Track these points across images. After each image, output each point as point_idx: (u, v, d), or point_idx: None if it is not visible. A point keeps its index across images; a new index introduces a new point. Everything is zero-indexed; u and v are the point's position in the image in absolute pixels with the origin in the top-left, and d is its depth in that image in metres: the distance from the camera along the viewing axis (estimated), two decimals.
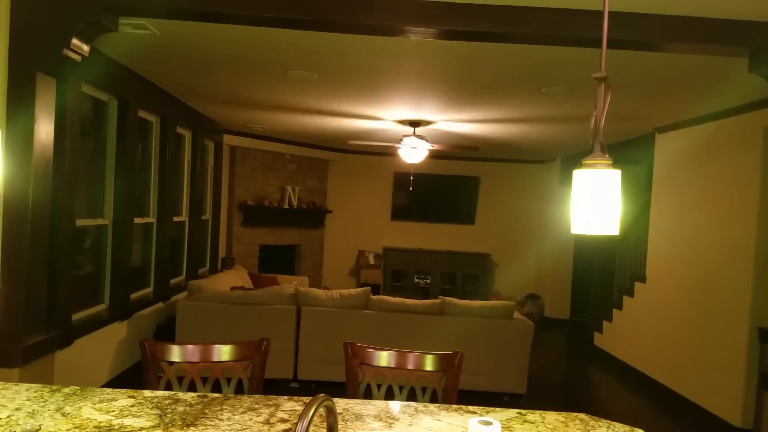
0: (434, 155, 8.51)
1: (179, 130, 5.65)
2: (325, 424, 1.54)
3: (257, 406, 1.68)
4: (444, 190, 9.18)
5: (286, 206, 8.18)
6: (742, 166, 4.18)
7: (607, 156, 1.27)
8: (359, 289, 4.95)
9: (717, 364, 4.35)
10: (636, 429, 1.67)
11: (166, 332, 5.08)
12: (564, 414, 1.76)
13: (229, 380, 2.03)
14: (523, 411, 1.77)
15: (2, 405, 1.58)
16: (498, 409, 1.77)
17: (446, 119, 5.74)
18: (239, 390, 2.05)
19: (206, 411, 1.62)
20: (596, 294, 6.83)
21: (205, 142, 6.51)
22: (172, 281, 5.65)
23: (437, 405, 1.80)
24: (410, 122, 5.99)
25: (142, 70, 4.37)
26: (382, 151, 8.58)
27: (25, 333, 2.64)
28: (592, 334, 6.62)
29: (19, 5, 2.51)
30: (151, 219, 5.12)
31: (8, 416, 1.50)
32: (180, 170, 5.82)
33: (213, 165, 6.90)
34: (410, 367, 2.02)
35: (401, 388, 2.07)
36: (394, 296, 5.03)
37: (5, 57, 2.52)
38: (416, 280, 9.02)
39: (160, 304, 5.23)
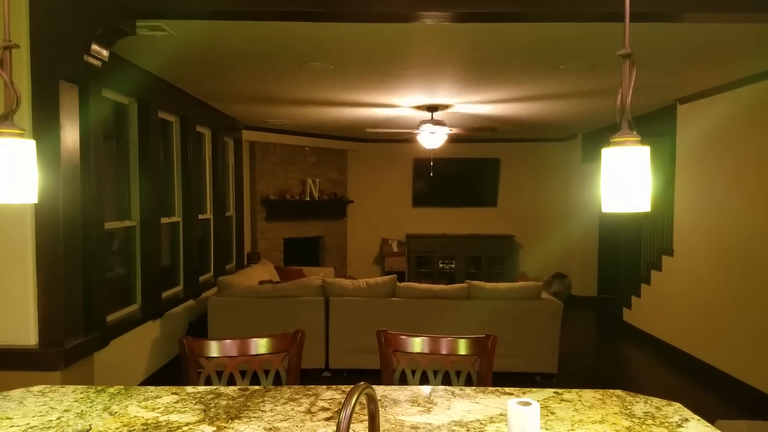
0: (453, 139, 8.44)
1: (199, 128, 5.70)
2: (365, 411, 1.56)
3: (297, 396, 1.71)
4: (464, 173, 9.12)
5: (308, 199, 8.23)
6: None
7: (635, 133, 1.25)
8: (385, 278, 4.97)
9: (751, 334, 4.27)
10: (673, 402, 1.66)
11: (198, 329, 5.18)
12: (601, 391, 1.75)
13: (267, 372, 2.07)
14: (559, 390, 1.76)
15: (51, 407, 1.63)
16: (534, 389, 1.77)
17: (464, 102, 5.69)
18: (277, 381, 2.09)
19: (248, 403, 1.65)
20: (624, 270, 6.75)
21: (225, 139, 6.56)
22: (201, 278, 5.75)
23: (474, 388, 1.81)
24: (427, 107, 5.95)
25: (160, 72, 4.41)
26: (400, 138, 8.55)
27: (65, 336, 2.72)
28: (620, 311, 6.55)
29: (37, 15, 2.55)
30: (176, 218, 5.20)
31: (58, 418, 1.56)
32: (202, 168, 5.89)
33: (234, 161, 6.96)
34: (444, 351, 2.03)
35: (435, 373, 2.08)
36: (419, 282, 5.04)
37: (28, 68, 2.57)
38: (441, 265, 9.02)
39: (191, 302, 5.33)
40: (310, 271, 7.07)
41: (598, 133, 7.59)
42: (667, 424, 1.50)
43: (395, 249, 9.08)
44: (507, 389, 1.78)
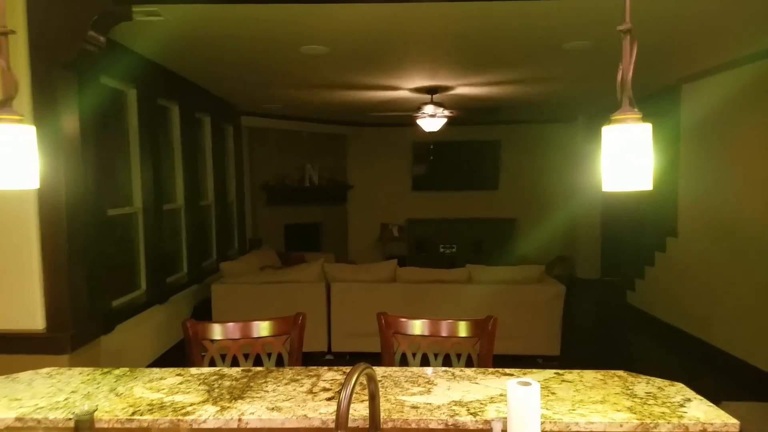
0: (453, 122, 8.39)
1: (198, 115, 5.69)
2: (366, 391, 1.59)
3: (299, 377, 1.74)
4: (465, 156, 9.08)
5: (308, 184, 8.23)
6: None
7: (636, 110, 1.25)
8: (386, 262, 4.99)
9: (757, 315, 4.29)
10: (676, 383, 1.68)
11: (202, 313, 5.22)
12: (602, 372, 1.77)
13: (269, 355, 2.09)
14: (560, 371, 1.78)
15: (59, 389, 1.66)
16: (535, 370, 1.79)
17: (464, 83, 5.65)
18: (279, 364, 2.11)
19: (251, 384, 1.68)
20: (627, 252, 6.76)
21: (225, 126, 6.55)
22: (204, 264, 5.78)
23: (474, 369, 1.83)
24: (427, 89, 5.91)
25: (158, 58, 4.39)
26: (399, 122, 8.51)
27: (72, 321, 2.75)
28: (624, 293, 6.57)
29: (34, 4, 2.53)
30: (178, 204, 5.21)
31: (65, 399, 1.58)
32: (202, 155, 5.89)
33: (234, 147, 6.95)
34: (444, 334, 2.05)
35: (436, 355, 2.10)
36: (420, 267, 5.06)
37: (26, 57, 2.56)
38: (441, 249, 9.04)
39: (195, 286, 5.37)
40: (311, 256, 7.09)
41: (601, 114, 7.54)
42: (669, 404, 1.52)
43: (396, 234, 9.10)
44: (507, 370, 1.80)
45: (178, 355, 4.82)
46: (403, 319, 2.07)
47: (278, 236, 7.93)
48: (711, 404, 1.53)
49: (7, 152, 1.36)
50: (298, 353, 2.11)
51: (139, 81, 4.31)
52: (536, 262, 8.78)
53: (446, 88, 5.88)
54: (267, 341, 2.08)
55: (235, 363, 2.07)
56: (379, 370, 1.79)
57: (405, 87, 5.79)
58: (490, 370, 1.81)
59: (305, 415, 1.47)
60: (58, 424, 1.47)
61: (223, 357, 2.05)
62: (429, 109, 5.85)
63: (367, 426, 1.42)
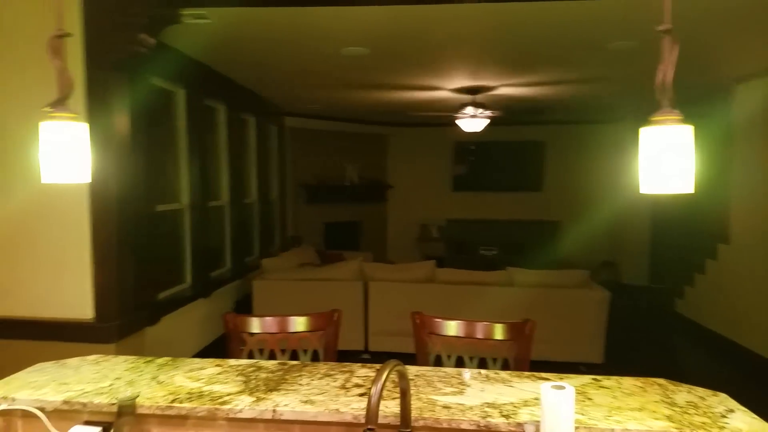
0: (496, 122, 8.28)
1: (243, 115, 5.83)
2: (397, 389, 1.59)
3: (333, 372, 1.76)
4: (508, 157, 8.95)
5: (347, 183, 8.30)
6: None
7: (676, 111, 1.20)
8: (423, 262, 4.98)
9: None
10: (719, 393, 1.61)
11: (244, 308, 5.35)
12: (642, 379, 1.71)
13: (305, 351, 2.13)
14: (598, 377, 1.74)
15: (104, 375, 1.73)
16: (572, 375, 1.75)
17: (506, 84, 5.58)
18: (315, 360, 2.15)
19: (286, 377, 1.71)
20: (676, 258, 6.50)
21: (269, 125, 6.69)
22: (247, 260, 5.92)
23: (509, 372, 1.80)
24: (468, 90, 5.87)
25: (205, 59, 4.53)
26: (440, 122, 8.48)
27: (119, 312, 2.87)
28: (672, 300, 6.33)
29: (89, 4, 2.66)
30: (223, 201, 5.36)
31: (110, 384, 1.66)
32: (247, 154, 6.03)
33: (277, 147, 7.09)
34: (479, 336, 2.03)
35: (471, 358, 2.08)
36: (458, 269, 5.02)
37: (81, 58, 2.69)
38: (482, 251, 8.93)
39: (237, 282, 5.51)
40: (350, 255, 7.15)
41: (650, 114, 7.27)
42: (710, 414, 1.46)
43: (435, 234, 9.06)
44: (544, 374, 1.77)
45: (220, 347, 4.95)
46: (438, 320, 2.06)
47: (318, 234, 8.04)
48: (755, 416, 1.45)
49: (62, 148, 1.43)
50: (334, 349, 2.13)
51: (188, 81, 4.46)
52: (580, 266, 8.58)
53: (488, 89, 5.82)
54: (303, 336, 2.11)
55: (272, 357, 2.11)
56: (412, 369, 1.80)
57: (446, 87, 5.76)
58: (526, 373, 1.78)
59: (337, 410, 1.49)
60: (102, 409, 1.53)
61: (261, 351, 2.10)
62: (470, 109, 5.80)
63: (398, 423, 1.42)
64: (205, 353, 4.75)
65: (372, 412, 1.07)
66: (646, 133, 1.23)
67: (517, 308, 4.68)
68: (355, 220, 8.63)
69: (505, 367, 2.05)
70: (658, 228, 7.65)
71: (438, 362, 2.13)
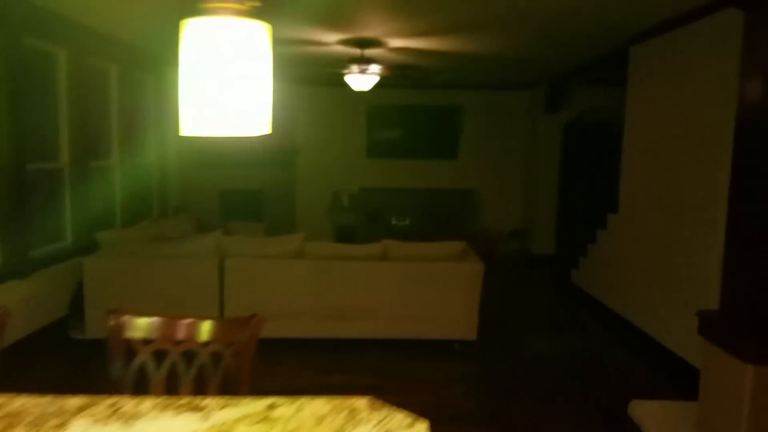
0: (412, 85, 7.75)
1: (97, 63, 5.03)
2: None
3: None
4: (424, 123, 8.47)
5: (249, 146, 7.61)
6: (718, 80, 3.45)
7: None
8: (292, 235, 4.47)
9: (685, 300, 3.78)
10: (423, 419, 1.16)
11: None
12: (338, 400, 1.24)
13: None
14: (279, 399, 1.24)
15: None
16: (243, 399, 1.25)
17: (395, 35, 4.99)
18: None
19: None
20: (578, 227, 6.25)
21: (139, 75, 5.86)
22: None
23: (154, 401, 1.30)
24: (356, 42, 5.25)
25: None
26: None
27: None
28: (569, 272, 6.09)
29: None
30: (58, 163, 4.55)
31: None
32: (103, 107, 5.24)
33: (156, 102, 6.28)
34: (180, 337, 1.52)
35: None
36: (330, 243, 4.54)
37: None
38: (394, 222, 8.49)
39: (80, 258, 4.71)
40: (247, 227, 6.53)
41: (564, 78, 6.89)
42: None
43: (346, 203, 8.55)
44: (204, 402, 1.26)
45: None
46: (126, 317, 1.53)
47: (212, 204, 7.37)
48: None
49: None
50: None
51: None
52: (494, 235, 8.30)
53: (377, 42, 5.23)
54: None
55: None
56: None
57: (330, 40, 5.14)
58: (184, 400, 1.27)
59: None
60: None
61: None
62: (356, 66, 5.22)
63: None
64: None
65: None
66: (188, 30, 0.70)
67: (391, 284, 4.28)
68: (257, 188, 7.98)
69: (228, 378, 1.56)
70: (566, 196, 7.40)
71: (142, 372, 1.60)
